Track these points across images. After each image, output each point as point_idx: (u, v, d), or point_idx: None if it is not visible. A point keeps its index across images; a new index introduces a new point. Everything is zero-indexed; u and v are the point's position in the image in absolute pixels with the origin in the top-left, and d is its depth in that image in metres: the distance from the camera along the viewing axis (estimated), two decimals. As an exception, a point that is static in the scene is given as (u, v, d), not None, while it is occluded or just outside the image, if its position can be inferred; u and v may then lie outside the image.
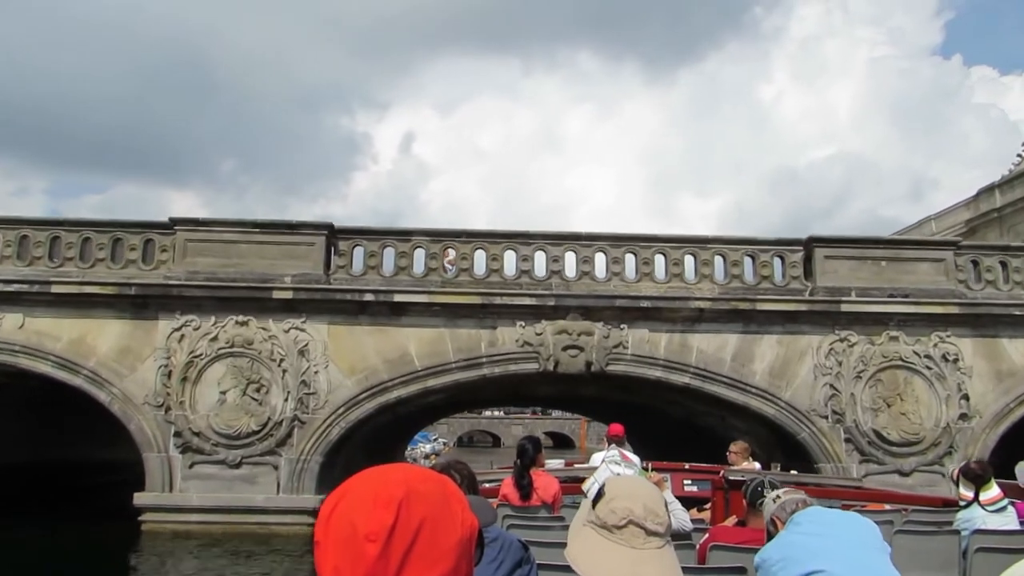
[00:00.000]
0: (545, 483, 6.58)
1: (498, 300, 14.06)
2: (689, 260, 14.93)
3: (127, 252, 14.43)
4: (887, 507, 6.66)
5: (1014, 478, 7.62)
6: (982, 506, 5.78)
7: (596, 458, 8.41)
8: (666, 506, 1.79)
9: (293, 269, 14.12)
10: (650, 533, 1.67)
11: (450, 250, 14.75)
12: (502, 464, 15.62)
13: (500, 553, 3.03)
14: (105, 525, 13.79)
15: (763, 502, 4.19)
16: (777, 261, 15.03)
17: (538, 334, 14.12)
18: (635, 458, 6.30)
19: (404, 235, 14.71)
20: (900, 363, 14.37)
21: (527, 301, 14.11)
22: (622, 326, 14.27)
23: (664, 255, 14.85)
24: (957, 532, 5.71)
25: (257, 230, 14.34)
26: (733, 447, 9.47)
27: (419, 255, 14.67)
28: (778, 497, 3.72)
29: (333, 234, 14.50)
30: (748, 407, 14.36)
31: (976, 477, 5.89)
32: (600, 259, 14.84)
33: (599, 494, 1.82)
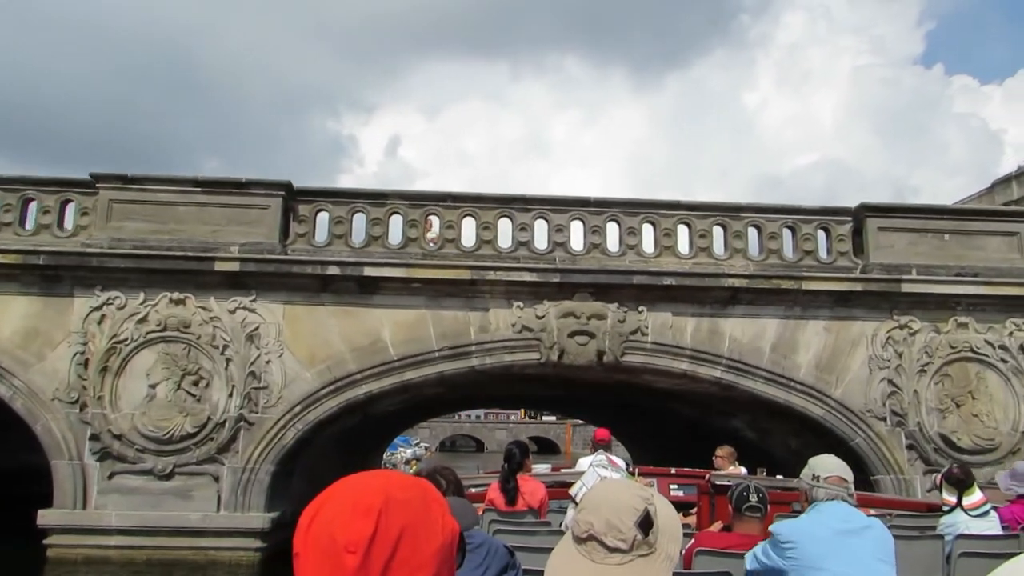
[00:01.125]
0: (532, 488, 6.57)
1: (491, 275, 11.58)
2: (718, 232, 12.52)
3: (39, 215, 11.84)
4: (871, 511, 6.14)
5: None
6: (965, 511, 5.80)
7: (583, 463, 8.28)
8: (647, 515, 1.69)
9: (242, 237, 11.58)
10: (610, 549, 1.66)
11: (432, 218, 12.27)
12: (488, 469, 14.74)
13: (486, 559, 3.05)
14: (3, 550, 11.18)
15: (748, 501, 4.44)
16: (821, 234, 12.66)
17: (539, 317, 11.65)
18: (621, 462, 6.31)
19: (377, 198, 12.19)
20: (971, 355, 12.02)
21: (526, 277, 11.63)
22: (641, 308, 11.82)
23: (688, 225, 12.44)
24: (940, 537, 5.67)
25: (198, 189, 11.78)
26: (719, 451, 9.51)
27: (396, 223, 12.17)
28: (816, 477, 3.78)
29: (291, 196, 11.97)
30: (790, 406, 11.95)
31: (958, 482, 5.91)
32: (612, 229, 12.40)
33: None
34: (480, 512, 6.40)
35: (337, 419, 11.96)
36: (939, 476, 6.28)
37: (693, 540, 4.88)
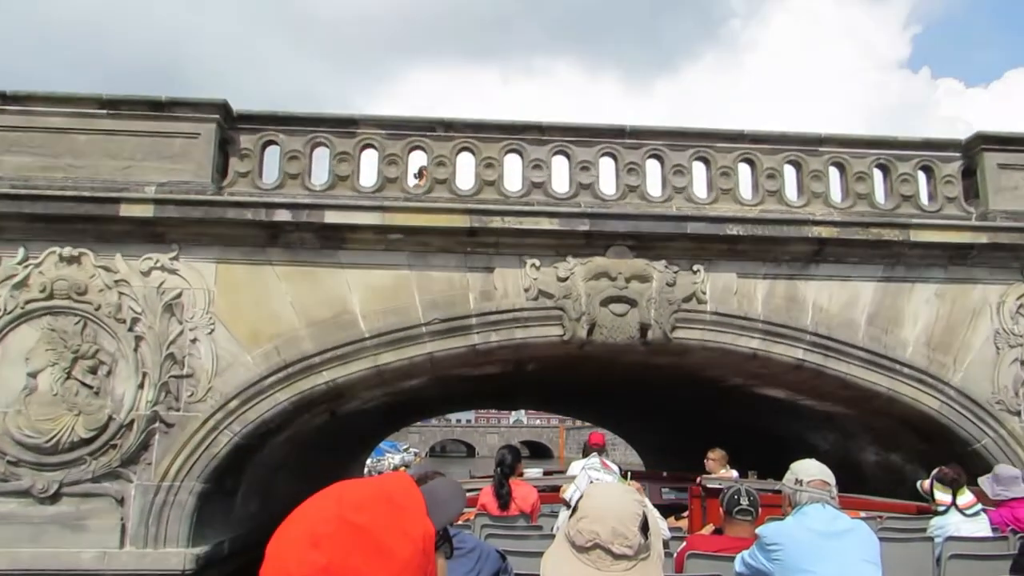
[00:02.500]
0: (524, 492, 6.52)
1: (496, 223, 8.61)
2: (790, 172, 9.61)
3: None
4: (862, 514, 5.86)
5: None
6: (960, 510, 5.78)
7: (575, 466, 7.75)
8: (645, 519, 1.71)
9: (162, 175, 8.58)
10: (617, 556, 1.65)
11: (418, 153, 9.28)
12: (479, 474, 13.67)
13: (478, 563, 3.06)
14: None
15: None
16: (922, 175, 9.77)
17: (562, 279, 8.69)
18: (614, 467, 6.31)
19: (345, 127, 9.18)
20: None
21: (544, 224, 8.67)
22: (696, 267, 8.89)
23: (752, 163, 9.50)
24: (931, 539, 5.61)
25: (104, 112, 8.74)
26: (711, 455, 9.30)
27: (369, 159, 9.20)
28: (799, 481, 3.80)
29: (229, 122, 8.96)
30: (895, 396, 9.03)
31: (952, 481, 5.92)
32: (654, 168, 9.46)
33: (576, 506, 1.86)
34: (472, 517, 6.32)
35: (292, 419, 8.96)
36: (927, 481, 6.14)
37: (684, 543, 4.89)
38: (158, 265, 8.38)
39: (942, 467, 6.26)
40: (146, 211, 8.28)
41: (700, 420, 15.43)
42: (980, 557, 5.27)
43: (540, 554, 1.90)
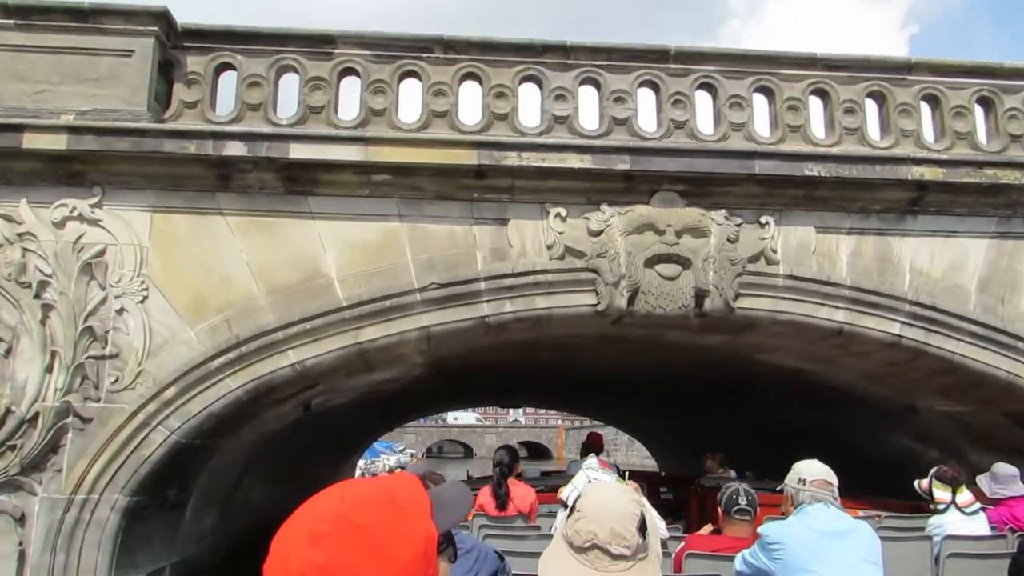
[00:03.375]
0: (522, 493, 6.49)
1: (511, 160, 6.73)
2: (871, 106, 7.75)
3: None
4: (860, 513, 5.81)
5: None
6: (960, 509, 5.71)
7: (573, 468, 8.09)
8: (643, 519, 1.70)
9: (85, 101, 6.69)
10: (615, 557, 1.64)
11: (411, 81, 7.39)
12: (476, 475, 13.59)
13: (476, 564, 3.06)
14: None
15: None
16: (1032, 111, 7.91)
17: (595, 233, 6.81)
18: (612, 467, 6.20)
19: (319, 45, 7.26)
20: None
21: (572, 162, 6.78)
22: (764, 219, 7.02)
23: (825, 95, 7.63)
24: (929, 538, 5.55)
25: (11, 22, 6.84)
26: (710, 455, 9.55)
27: (351, 88, 7.32)
28: (802, 481, 3.77)
29: (173, 38, 7.07)
30: (1016, 382, 7.16)
31: (952, 479, 5.83)
32: (704, 101, 7.59)
33: (573, 506, 1.85)
34: (470, 517, 6.11)
35: (253, 412, 7.07)
36: (922, 480, 5.97)
37: (683, 543, 4.89)
38: (75, 214, 6.50)
39: (941, 465, 6.06)
40: (57, 142, 6.38)
41: (732, 418, 13.58)
42: (978, 556, 5.26)
43: (538, 554, 1.88)
